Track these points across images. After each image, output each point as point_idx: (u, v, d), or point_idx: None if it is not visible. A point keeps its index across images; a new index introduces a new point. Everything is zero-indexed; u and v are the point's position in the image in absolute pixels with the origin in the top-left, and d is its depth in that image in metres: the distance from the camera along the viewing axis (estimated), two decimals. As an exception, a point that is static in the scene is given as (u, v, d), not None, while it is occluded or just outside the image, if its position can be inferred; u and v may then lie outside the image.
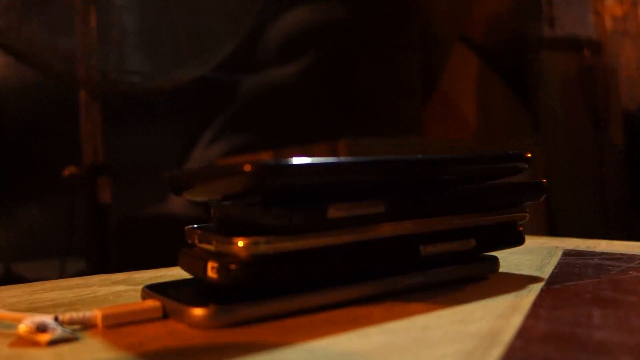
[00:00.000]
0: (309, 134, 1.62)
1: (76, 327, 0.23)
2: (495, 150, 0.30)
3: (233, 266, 0.22)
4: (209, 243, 0.24)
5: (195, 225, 0.27)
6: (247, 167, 0.21)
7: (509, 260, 0.35)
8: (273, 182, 0.22)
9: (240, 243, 0.22)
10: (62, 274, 1.16)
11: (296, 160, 0.22)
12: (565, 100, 1.74)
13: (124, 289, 0.31)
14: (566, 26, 1.76)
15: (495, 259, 0.30)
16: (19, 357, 0.20)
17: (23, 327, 0.21)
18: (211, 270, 0.23)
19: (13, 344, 0.21)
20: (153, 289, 0.26)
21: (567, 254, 0.37)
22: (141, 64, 1.11)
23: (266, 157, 1.36)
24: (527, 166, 0.29)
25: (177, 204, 1.50)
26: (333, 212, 0.24)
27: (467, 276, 0.29)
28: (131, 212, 1.43)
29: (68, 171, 1.04)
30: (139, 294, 0.27)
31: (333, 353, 0.19)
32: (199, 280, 0.26)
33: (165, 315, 0.24)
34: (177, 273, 0.35)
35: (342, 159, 0.24)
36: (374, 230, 0.25)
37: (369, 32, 1.82)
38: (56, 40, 1.04)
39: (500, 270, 0.30)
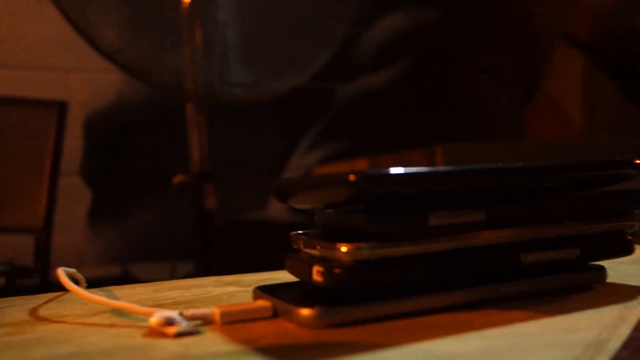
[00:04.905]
0: (405, 139, 1.62)
1: (197, 322, 0.25)
2: (600, 157, 0.29)
3: (337, 270, 0.24)
4: (314, 248, 0.26)
5: (300, 232, 0.29)
6: (352, 177, 0.23)
7: (618, 270, 0.34)
8: (376, 191, 0.23)
9: (344, 248, 0.24)
10: (172, 275, 1.24)
11: (398, 170, 0.23)
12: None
13: (235, 290, 0.34)
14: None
15: (602, 268, 0.29)
16: (151, 346, 0.22)
17: (154, 320, 0.24)
18: (316, 274, 0.25)
19: (145, 335, 0.24)
20: (264, 290, 0.28)
21: (683, 264, 0.35)
22: (242, 76, 1.16)
23: (362, 164, 1.37)
24: (635, 172, 0.28)
25: (276, 210, 1.55)
26: (434, 220, 0.24)
27: (571, 285, 0.28)
28: (234, 217, 1.50)
29: (177, 179, 1.11)
30: (249, 295, 0.29)
31: (434, 355, 0.20)
32: (304, 282, 0.27)
33: (275, 315, 0.26)
34: (282, 276, 0.37)
35: (443, 168, 0.25)
36: (474, 238, 0.26)
37: (464, 34, 1.79)
38: (165, 56, 1.12)
39: (608, 280, 0.30)
